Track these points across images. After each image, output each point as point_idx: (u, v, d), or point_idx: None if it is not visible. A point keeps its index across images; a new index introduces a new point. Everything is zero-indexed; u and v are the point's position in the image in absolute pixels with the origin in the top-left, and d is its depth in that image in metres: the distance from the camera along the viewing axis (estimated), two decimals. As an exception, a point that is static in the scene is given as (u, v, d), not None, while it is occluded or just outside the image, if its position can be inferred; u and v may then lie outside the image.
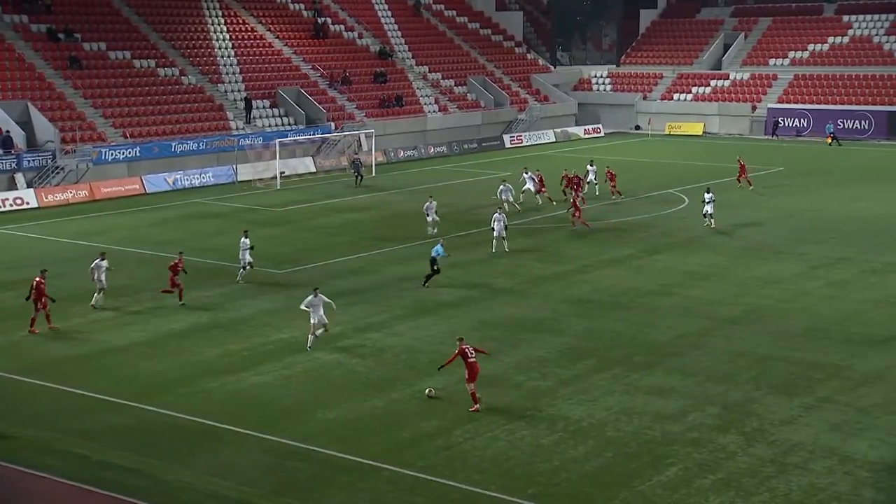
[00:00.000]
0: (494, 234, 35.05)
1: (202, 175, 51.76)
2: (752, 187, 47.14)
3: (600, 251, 35.48)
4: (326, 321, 24.60)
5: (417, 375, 23.00)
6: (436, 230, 37.63)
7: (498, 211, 35.83)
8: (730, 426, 20.04)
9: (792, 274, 31.92)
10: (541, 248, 36.13)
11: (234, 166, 52.71)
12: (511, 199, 41.69)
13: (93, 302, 28.09)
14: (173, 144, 52.67)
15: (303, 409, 21.13)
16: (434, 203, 38.25)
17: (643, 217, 41.57)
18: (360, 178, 50.81)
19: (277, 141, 52.91)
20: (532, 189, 43.76)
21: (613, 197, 45.15)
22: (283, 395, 21.93)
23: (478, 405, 20.77)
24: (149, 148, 51.74)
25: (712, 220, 38.59)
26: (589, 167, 47.32)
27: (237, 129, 56.74)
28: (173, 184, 50.46)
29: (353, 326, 26.67)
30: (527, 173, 44.67)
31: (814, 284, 30.73)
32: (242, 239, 31.28)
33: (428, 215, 37.86)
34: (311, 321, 24.46)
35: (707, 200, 38.65)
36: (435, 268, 30.55)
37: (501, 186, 42.23)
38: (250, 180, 52.00)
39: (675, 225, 40.01)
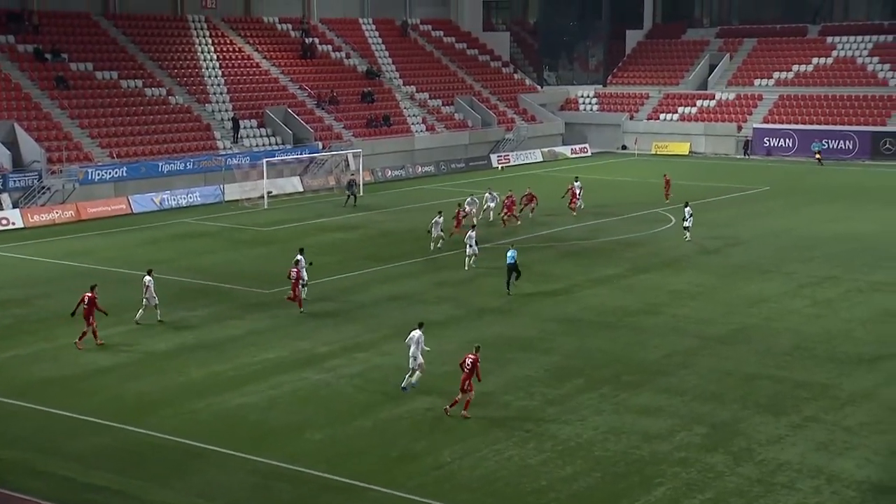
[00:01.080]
0: (468, 251, 35.32)
1: (189, 195, 51.67)
2: (667, 200, 48.77)
3: (588, 270, 35.55)
4: (422, 362, 22.83)
5: (406, 396, 22.93)
6: (440, 245, 38.16)
7: (472, 229, 35.98)
8: (717, 446, 20.06)
9: (778, 293, 32.05)
10: (528, 267, 36.10)
11: (222, 186, 52.65)
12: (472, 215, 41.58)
13: (159, 317, 28.50)
14: (160, 164, 52.59)
15: (290, 429, 21.04)
16: (441, 219, 38.55)
17: (630, 236, 41.68)
18: (354, 198, 50.67)
19: (265, 160, 52.89)
20: (492, 206, 43.97)
21: (574, 214, 45.54)
22: (269, 415, 21.83)
23: (462, 410, 21.06)
24: (136, 168, 51.65)
25: (688, 234, 39.77)
26: (575, 183, 47.50)
27: (224, 148, 56.70)
28: (160, 204, 50.35)
29: (342, 346, 26.61)
30: (490, 193, 45.17)
31: (800, 303, 30.85)
32: (298, 257, 30.33)
33: (432, 231, 38.10)
34: (410, 361, 22.73)
35: (686, 216, 39.84)
36: (515, 274, 31.52)
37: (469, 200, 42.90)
38: (238, 200, 51.94)
39: (662, 244, 40.14)
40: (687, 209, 40.04)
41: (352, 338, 27.36)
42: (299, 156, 58.08)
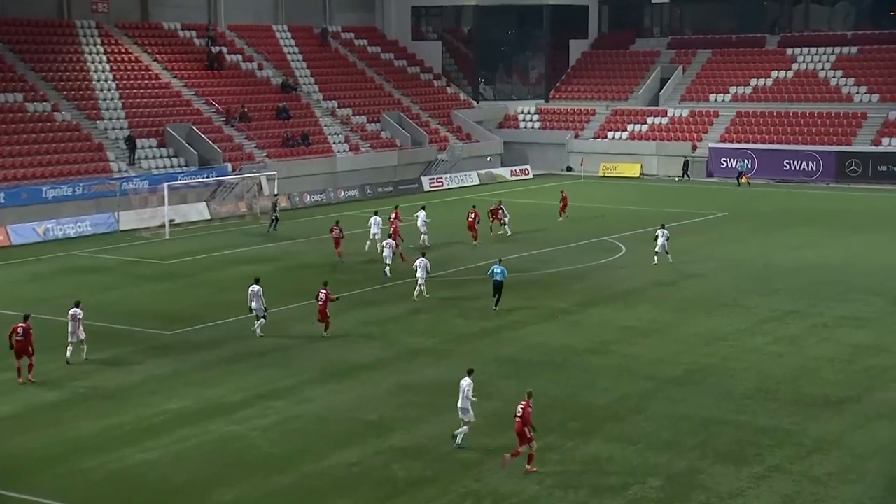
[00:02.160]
0: (418, 280, 35.95)
1: (78, 224, 50.95)
2: (560, 217, 52.47)
3: (531, 305, 35.83)
4: (472, 416, 22.75)
5: (329, 447, 22.86)
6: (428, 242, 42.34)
7: (421, 255, 36.60)
8: (674, 500, 20.36)
9: (738, 329, 32.68)
10: (465, 302, 36.34)
11: (116, 214, 52.02)
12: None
13: (84, 356, 29.18)
14: (44, 189, 51.80)
15: (196, 489, 20.83)
16: (423, 213, 44.24)
17: (577, 267, 42.16)
18: (276, 222, 51.08)
19: (166, 184, 52.44)
20: (376, 234, 44.14)
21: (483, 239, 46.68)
22: (172, 473, 21.60)
23: (510, 457, 21.34)
24: (15, 194, 50.76)
25: (668, 256, 41.85)
26: (502, 207, 49.00)
27: (119, 171, 56.06)
28: (44, 234, 49.55)
29: (255, 393, 26.44)
30: (375, 216, 45.25)
31: (762, 340, 31.49)
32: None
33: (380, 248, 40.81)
34: (459, 413, 22.71)
35: (660, 236, 41.81)
36: (498, 295, 34.11)
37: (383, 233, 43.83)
38: (135, 229, 51.35)
39: (612, 275, 40.68)
40: (663, 230, 42.06)
41: (266, 384, 27.20)
42: (205, 179, 57.67)
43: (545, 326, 33.10)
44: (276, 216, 51.85)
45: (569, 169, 76.55)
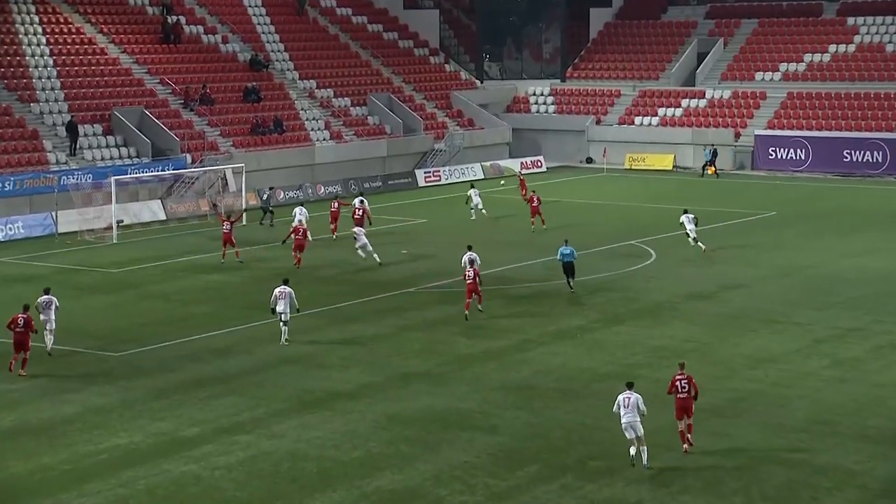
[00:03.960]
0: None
1: (8, 226, 50.88)
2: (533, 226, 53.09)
3: (544, 322, 35.70)
4: (642, 433, 23.71)
5: (303, 491, 22.72)
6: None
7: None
8: (715, 551, 20.23)
9: (789, 350, 32.56)
10: (466, 318, 36.24)
11: (54, 214, 51.93)
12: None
13: (50, 347, 31.78)
14: (-30, 184, 51.88)
15: (146, 541, 20.71)
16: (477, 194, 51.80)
17: (599, 277, 42.05)
18: (270, 216, 53.10)
19: (113, 179, 52.35)
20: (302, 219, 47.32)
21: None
22: (119, 522, 21.48)
23: (687, 445, 24.24)
24: (-64, 189, 50.83)
25: (700, 244, 44.87)
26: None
27: (58, 163, 55.98)
28: (-31, 237, 49.59)
29: (217, 426, 26.31)
30: (301, 207, 49.01)
31: (818, 363, 31.36)
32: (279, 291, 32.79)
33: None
34: (626, 433, 23.70)
35: (687, 221, 45.04)
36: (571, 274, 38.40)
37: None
38: (76, 231, 51.25)
39: (641, 287, 40.57)
40: (687, 215, 45.29)
41: (230, 415, 27.08)
42: (160, 173, 57.53)
43: (561, 347, 32.98)
44: (271, 209, 53.30)
45: (589, 160, 76.51)
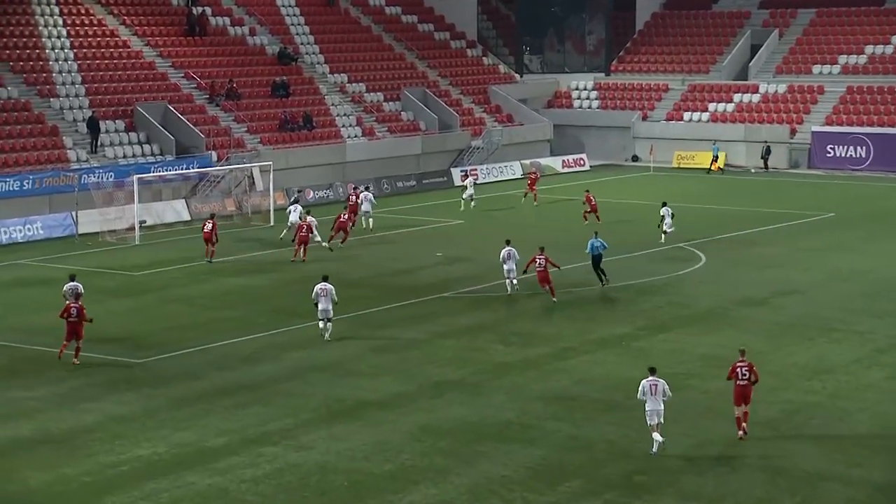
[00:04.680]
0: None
1: (27, 226, 51.27)
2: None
3: (587, 328, 35.65)
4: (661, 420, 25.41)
5: (332, 506, 22.79)
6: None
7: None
8: (768, 572, 20.12)
9: (848, 360, 32.35)
10: (503, 324, 36.18)
11: (74, 214, 52.30)
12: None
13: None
14: (-14, 183, 52.36)
15: (169, 556, 20.83)
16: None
17: (645, 281, 41.95)
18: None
19: (136, 177, 52.66)
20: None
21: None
22: (140, 536, 21.61)
23: (742, 432, 25.54)
24: (-49, 188, 51.37)
25: (663, 236, 47.77)
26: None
27: (78, 161, 56.38)
28: (-14, 238, 50.06)
29: (243, 437, 26.40)
30: (296, 205, 50.08)
31: (879, 374, 31.14)
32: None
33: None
34: (647, 418, 25.49)
35: (667, 215, 47.80)
36: (600, 267, 39.86)
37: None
38: (97, 232, 51.60)
39: (690, 292, 40.46)
40: (666, 209, 47.94)
41: (256, 425, 27.15)
42: (184, 171, 57.83)
43: (604, 355, 32.90)
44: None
45: (635, 158, 76.29)
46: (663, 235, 47.92)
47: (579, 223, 50.97)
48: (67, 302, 32.65)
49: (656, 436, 25.04)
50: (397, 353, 33.17)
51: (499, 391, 29.62)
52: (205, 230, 45.76)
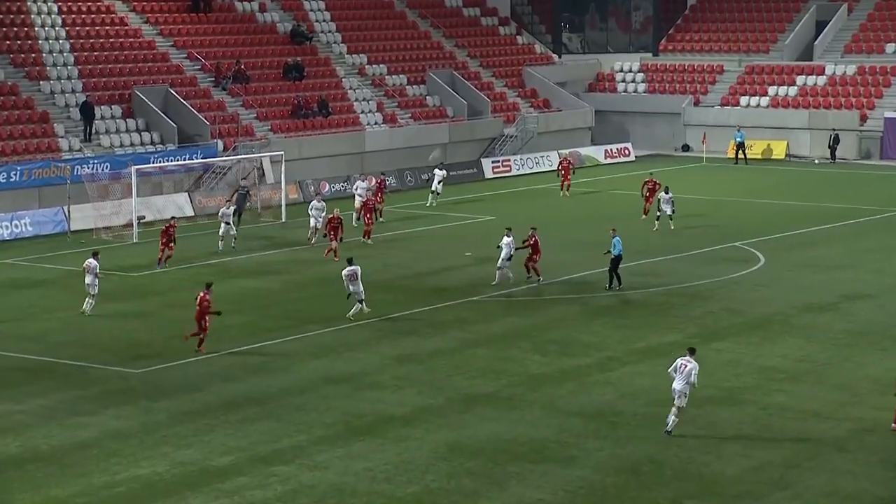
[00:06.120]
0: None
1: (14, 222, 51.50)
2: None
3: (632, 336, 35.58)
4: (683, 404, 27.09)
5: (350, 532, 22.81)
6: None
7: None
8: None
9: (925, 371, 32.21)
10: (539, 331, 36.15)
11: (66, 208, 52.50)
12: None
13: (86, 308, 37.65)
14: (-31, 175, 52.64)
15: (170, 586, 20.88)
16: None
17: (697, 284, 41.85)
18: (238, 217, 50.79)
19: (134, 169, 52.80)
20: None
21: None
22: (138, 564, 21.69)
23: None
24: (-69, 180, 51.69)
25: (671, 223, 49.90)
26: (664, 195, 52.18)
27: (71, 150, 56.61)
28: (-30, 235, 50.33)
29: (252, 454, 26.45)
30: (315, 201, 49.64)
31: (958, 387, 30.97)
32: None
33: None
34: (676, 399, 27.47)
35: (665, 200, 49.88)
36: (615, 269, 40.12)
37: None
38: (91, 229, 51.78)
39: (747, 296, 40.32)
40: (666, 195, 50.19)
41: (267, 442, 27.20)
42: (187, 162, 57.98)
43: (650, 366, 32.75)
44: (237, 212, 51.00)
45: (685, 148, 76.12)
46: (669, 220, 50.01)
47: (619, 219, 50.66)
48: (202, 293, 34.07)
49: (671, 416, 26.98)
50: (422, 363, 33.13)
51: (534, 406, 29.57)
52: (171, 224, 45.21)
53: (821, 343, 34.80)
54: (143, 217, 52.74)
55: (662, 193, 50.70)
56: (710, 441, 27.26)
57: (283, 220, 54.20)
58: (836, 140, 70.54)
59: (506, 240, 41.02)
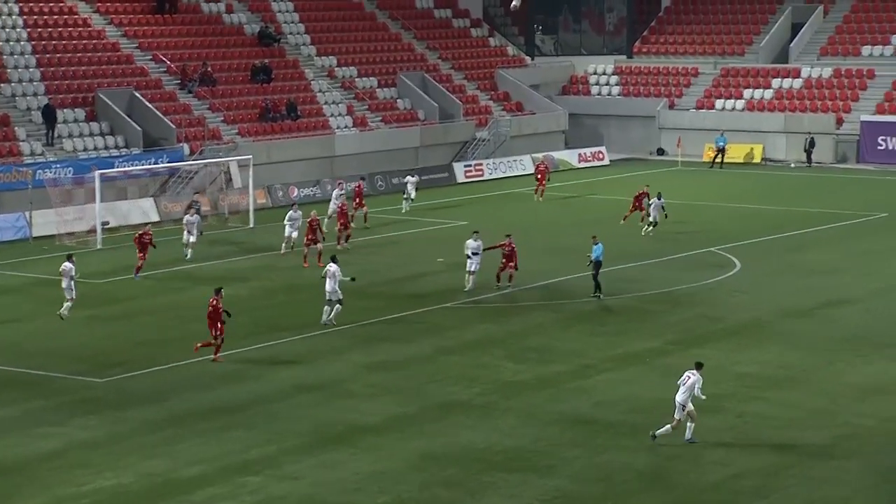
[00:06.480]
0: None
1: (-24, 227, 51.33)
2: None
3: (609, 343, 35.65)
4: (692, 409, 27.38)
5: (323, 544, 22.76)
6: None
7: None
8: None
9: (906, 378, 32.36)
10: (515, 338, 36.17)
11: (28, 214, 52.31)
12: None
13: (63, 312, 37.60)
14: (-72, 179, 52.42)
15: None
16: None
17: (675, 290, 41.95)
18: (198, 235, 49.17)
19: (97, 173, 52.60)
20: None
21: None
22: (105, 578, 21.59)
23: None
24: None
25: (650, 229, 50.32)
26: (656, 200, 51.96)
27: (32, 154, 56.36)
28: (-71, 241, 50.07)
29: (221, 465, 26.40)
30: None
31: (940, 395, 31.14)
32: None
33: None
34: (677, 411, 27.30)
35: (655, 206, 50.41)
36: (597, 275, 40.10)
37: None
38: (54, 235, 51.60)
39: (725, 302, 40.47)
40: (659, 200, 50.69)
41: (236, 452, 27.14)
42: (152, 166, 57.82)
43: (629, 373, 32.89)
44: (197, 222, 49.17)
45: (660, 152, 76.31)
46: (650, 227, 50.40)
47: (596, 224, 50.71)
48: (212, 298, 34.22)
49: (667, 427, 27.10)
50: (396, 371, 33.11)
51: (510, 414, 29.59)
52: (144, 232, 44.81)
53: (800, 350, 34.92)
54: (108, 223, 52.60)
55: (655, 199, 50.82)
56: (688, 449, 27.32)
57: (252, 225, 54.08)
58: (812, 144, 70.89)
59: (472, 244, 41.12)
